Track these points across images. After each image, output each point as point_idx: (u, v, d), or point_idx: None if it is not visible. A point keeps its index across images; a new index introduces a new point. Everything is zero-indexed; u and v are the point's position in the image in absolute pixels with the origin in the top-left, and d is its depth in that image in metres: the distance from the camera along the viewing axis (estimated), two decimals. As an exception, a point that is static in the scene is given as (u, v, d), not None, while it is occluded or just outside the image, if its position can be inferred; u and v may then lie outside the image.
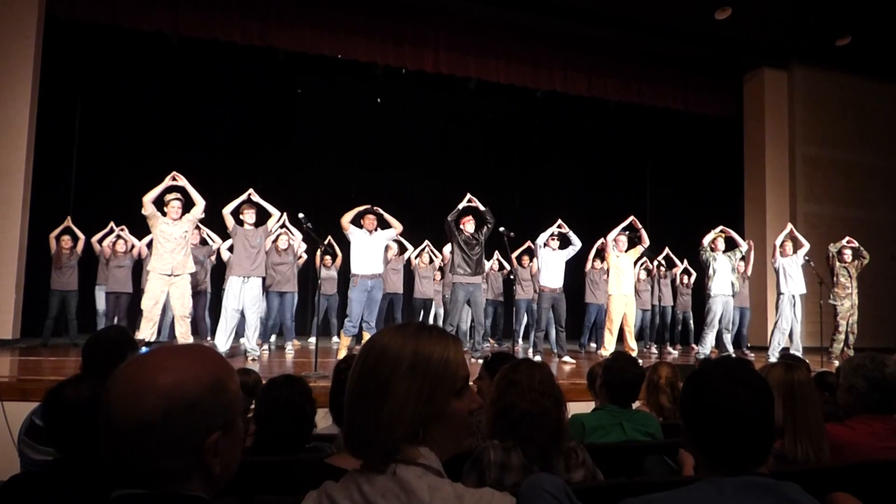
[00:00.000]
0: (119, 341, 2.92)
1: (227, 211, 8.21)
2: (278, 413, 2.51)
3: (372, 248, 8.43)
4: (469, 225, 8.78)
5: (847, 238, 10.20)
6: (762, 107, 13.51)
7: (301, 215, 7.28)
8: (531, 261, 11.19)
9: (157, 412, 1.04)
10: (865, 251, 10.04)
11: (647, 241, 9.45)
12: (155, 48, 11.04)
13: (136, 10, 9.89)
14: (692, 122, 13.94)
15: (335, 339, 11.39)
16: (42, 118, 9.60)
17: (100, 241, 9.88)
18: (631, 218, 9.48)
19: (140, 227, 7.85)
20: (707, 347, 9.45)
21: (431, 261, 11.79)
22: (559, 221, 9.57)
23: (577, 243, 9.42)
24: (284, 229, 9.58)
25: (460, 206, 8.80)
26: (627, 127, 14.74)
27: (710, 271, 9.47)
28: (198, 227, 9.41)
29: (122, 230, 9.85)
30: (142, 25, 10.01)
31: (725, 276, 9.45)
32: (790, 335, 9.69)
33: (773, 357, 9.11)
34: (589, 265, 11.01)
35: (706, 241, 9.54)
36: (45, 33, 9.55)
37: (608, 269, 9.74)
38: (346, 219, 8.35)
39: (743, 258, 9.99)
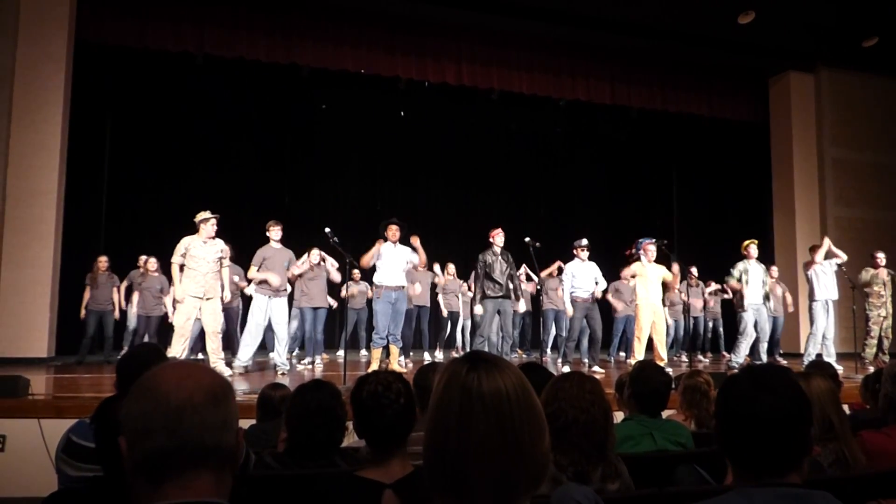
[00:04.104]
0: (151, 358, 2.96)
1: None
2: (309, 417, 2.51)
3: (396, 259, 8.38)
4: (499, 238, 8.72)
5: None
6: (789, 110, 13.37)
7: (328, 230, 7.34)
8: (560, 273, 11.08)
9: (212, 389, 1.14)
10: None
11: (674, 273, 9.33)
12: (181, 68, 11.21)
13: (162, 32, 10.07)
14: (718, 127, 13.82)
15: (363, 352, 11.44)
16: (73, 139, 9.80)
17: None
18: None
19: (169, 249, 7.88)
20: (741, 356, 9.31)
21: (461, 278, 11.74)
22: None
23: (601, 283, 9.36)
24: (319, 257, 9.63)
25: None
26: (652, 134, 14.65)
27: (744, 280, 9.34)
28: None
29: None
30: (168, 46, 10.19)
31: (757, 284, 9.33)
32: (824, 342, 9.52)
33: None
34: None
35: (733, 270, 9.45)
36: (75, 57, 9.75)
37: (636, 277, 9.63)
38: (367, 261, 8.36)
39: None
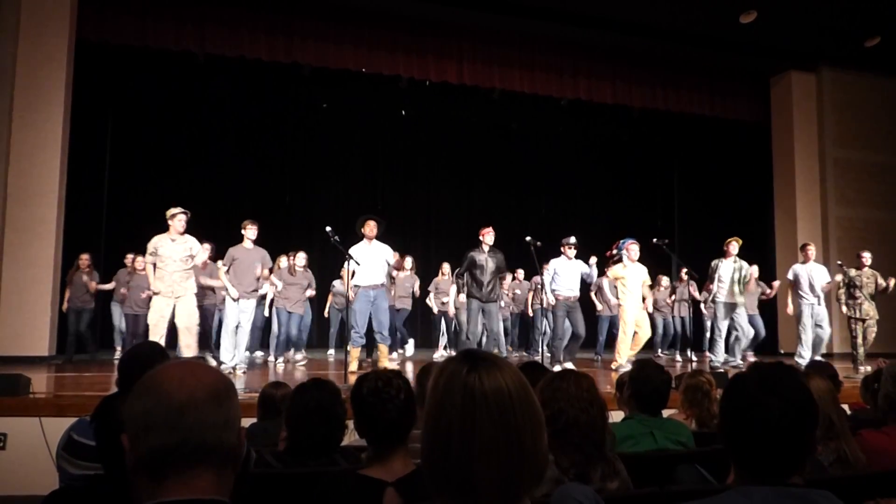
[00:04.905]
0: (154, 357, 2.96)
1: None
2: (309, 416, 2.51)
3: (372, 258, 8.20)
4: (489, 236, 8.65)
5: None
6: (790, 110, 13.36)
7: (328, 229, 7.32)
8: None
9: (214, 388, 1.15)
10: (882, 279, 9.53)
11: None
12: (182, 67, 11.21)
13: (163, 31, 10.07)
14: (719, 127, 13.81)
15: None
16: (74, 139, 9.80)
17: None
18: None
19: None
20: (720, 356, 9.25)
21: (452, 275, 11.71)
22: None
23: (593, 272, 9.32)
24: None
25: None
26: (653, 134, 14.64)
27: (715, 277, 9.27)
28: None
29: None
30: (169, 45, 10.19)
31: (727, 282, 9.24)
32: (817, 342, 9.37)
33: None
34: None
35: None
36: (76, 56, 9.75)
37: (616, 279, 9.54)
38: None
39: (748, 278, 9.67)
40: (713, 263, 9.38)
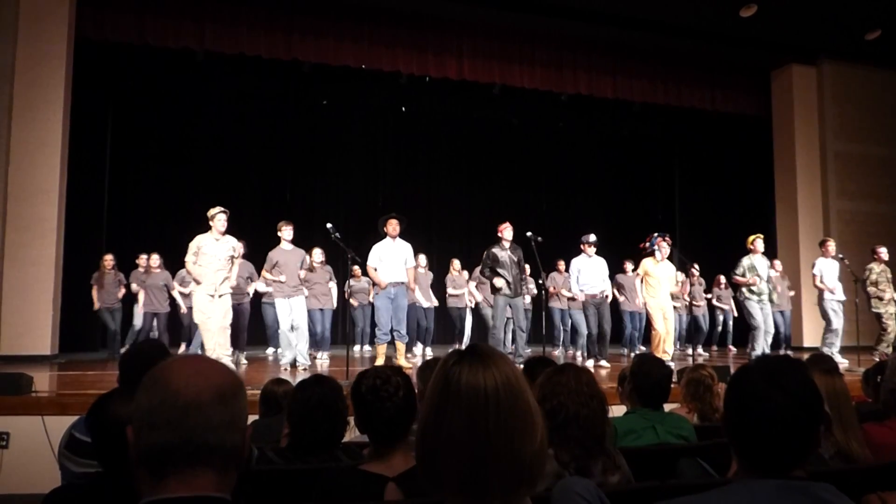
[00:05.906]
0: (154, 354, 2.96)
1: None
2: (311, 412, 2.52)
3: (394, 255, 8.26)
4: (507, 232, 8.64)
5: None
6: (791, 104, 13.32)
7: (329, 225, 7.32)
8: (566, 269, 10.86)
9: (221, 388, 1.15)
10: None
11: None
12: (182, 64, 11.19)
13: (162, 28, 10.06)
14: (720, 121, 13.79)
15: (367, 347, 11.46)
16: (74, 137, 9.79)
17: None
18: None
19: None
20: (759, 350, 9.19)
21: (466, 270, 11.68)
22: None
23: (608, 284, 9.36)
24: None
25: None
26: (654, 128, 14.63)
27: (749, 276, 9.24)
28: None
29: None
30: (168, 43, 10.18)
31: (765, 277, 9.26)
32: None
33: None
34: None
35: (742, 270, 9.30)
36: (76, 54, 9.73)
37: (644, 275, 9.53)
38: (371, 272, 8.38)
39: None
40: (745, 262, 9.28)
